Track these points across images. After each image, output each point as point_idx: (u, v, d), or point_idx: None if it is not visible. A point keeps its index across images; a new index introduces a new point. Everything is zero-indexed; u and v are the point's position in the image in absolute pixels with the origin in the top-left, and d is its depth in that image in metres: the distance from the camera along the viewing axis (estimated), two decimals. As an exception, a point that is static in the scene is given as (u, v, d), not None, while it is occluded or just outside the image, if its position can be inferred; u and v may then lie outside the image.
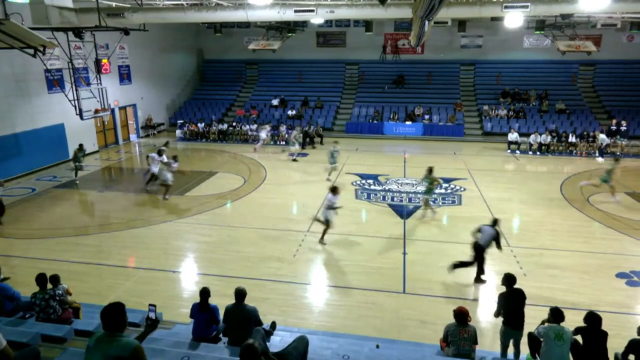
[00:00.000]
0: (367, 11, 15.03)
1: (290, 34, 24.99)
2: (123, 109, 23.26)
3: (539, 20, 20.15)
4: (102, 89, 16.17)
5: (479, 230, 9.02)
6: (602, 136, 20.06)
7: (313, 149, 21.76)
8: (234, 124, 24.70)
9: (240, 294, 5.64)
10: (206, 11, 15.33)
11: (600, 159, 19.65)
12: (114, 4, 15.17)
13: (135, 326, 6.37)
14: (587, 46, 20.42)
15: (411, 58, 28.06)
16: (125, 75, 22.97)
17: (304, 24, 26.19)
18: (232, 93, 29.18)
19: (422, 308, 8.17)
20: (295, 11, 14.37)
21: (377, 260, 10.04)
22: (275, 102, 27.17)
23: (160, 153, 14.68)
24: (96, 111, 16.12)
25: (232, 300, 5.69)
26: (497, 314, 6.34)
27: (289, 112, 25.96)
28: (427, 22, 9.18)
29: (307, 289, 8.94)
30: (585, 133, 21.07)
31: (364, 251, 10.54)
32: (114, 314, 3.57)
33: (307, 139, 22.79)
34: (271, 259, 10.06)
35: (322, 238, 10.88)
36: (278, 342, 5.86)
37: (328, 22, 26.92)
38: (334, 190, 10.89)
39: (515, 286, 6.30)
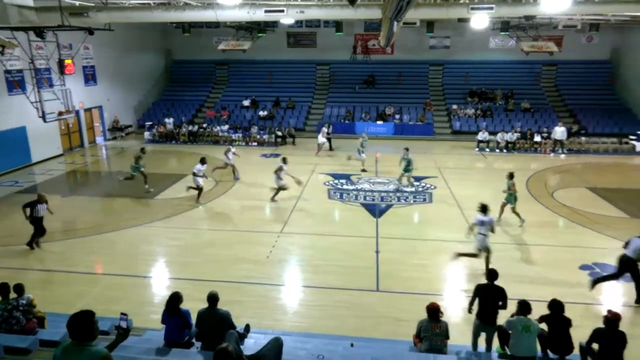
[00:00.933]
0: (336, 12, 15.13)
1: (260, 35, 24.84)
2: (88, 110, 22.59)
3: (503, 21, 20.71)
4: (66, 90, 15.67)
5: (627, 243, 8.31)
6: (560, 129, 20.78)
7: (284, 145, 21.71)
8: (204, 125, 24.36)
9: (212, 298, 5.58)
10: (174, 11, 15.08)
11: (560, 156, 20.43)
12: (77, 2, 14.71)
13: (105, 334, 6.19)
14: (550, 47, 21.18)
15: (381, 58, 28.33)
16: (90, 76, 22.32)
17: (274, 24, 26.07)
18: (202, 94, 28.78)
19: (395, 305, 8.27)
20: (266, 11, 14.31)
21: (351, 260, 10.09)
22: (246, 102, 26.96)
23: (203, 161, 13.88)
24: (60, 113, 15.60)
25: (205, 304, 5.62)
26: (470, 304, 6.42)
27: (261, 113, 25.81)
28: (395, 23, 9.30)
29: (281, 290, 8.90)
30: (543, 131, 21.86)
31: (337, 251, 10.57)
32: (82, 322, 3.46)
33: (280, 139, 22.76)
34: (244, 261, 9.97)
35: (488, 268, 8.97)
36: (252, 344, 5.82)
37: (298, 23, 26.89)
38: (484, 209, 9.24)
39: (496, 283, 6.34)
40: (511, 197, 12.00)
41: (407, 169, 14.91)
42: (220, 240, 11.20)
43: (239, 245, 10.84)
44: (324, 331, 7.26)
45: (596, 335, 5.55)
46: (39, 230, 10.47)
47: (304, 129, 25.37)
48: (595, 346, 5.61)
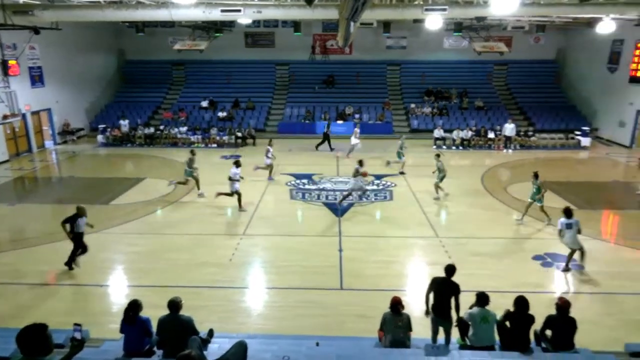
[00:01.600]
0: (294, 12, 15.14)
1: (217, 34, 24.47)
2: (36, 113, 21.49)
3: (456, 22, 21.37)
4: (10, 92, 14.88)
5: None
6: (510, 126, 21.68)
7: (245, 146, 21.49)
8: (161, 127, 23.73)
9: (174, 304, 5.46)
10: (126, 9, 14.62)
11: (509, 151, 21.31)
12: (21, 0, 13.98)
13: (60, 347, 5.92)
14: (500, 47, 22.05)
15: (340, 58, 28.55)
16: (37, 78, 21.22)
17: (231, 23, 25.73)
18: (158, 95, 28.00)
19: (359, 303, 8.36)
20: (222, 11, 14.13)
21: (314, 259, 10.13)
22: (204, 103, 26.47)
23: (237, 164, 13.12)
24: (5, 117, 14.81)
25: (167, 311, 5.49)
26: (427, 297, 6.43)
27: (220, 114, 25.41)
28: (352, 23, 9.40)
29: (245, 293, 8.82)
30: (496, 128, 22.82)
31: (301, 251, 10.59)
32: (33, 336, 3.30)
33: (240, 140, 22.53)
34: (206, 264, 9.81)
35: (567, 265, 9.50)
36: (216, 349, 5.73)
37: (256, 23, 26.69)
38: (568, 212, 9.29)
39: (453, 278, 6.39)
40: (536, 194, 11.91)
41: (440, 175, 14.16)
42: (181, 244, 10.95)
43: (200, 249, 10.65)
44: (289, 332, 7.25)
45: (549, 322, 5.82)
46: (81, 247, 9.51)
47: (264, 130, 25.21)
48: (548, 333, 5.88)
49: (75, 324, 3.90)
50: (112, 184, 15.56)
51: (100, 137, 23.09)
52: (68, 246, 10.72)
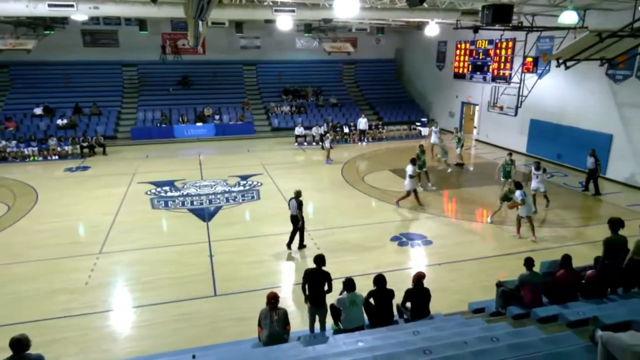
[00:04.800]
0: (137, 9, 14.12)
1: (47, 32, 21.58)
2: None
3: (306, 24, 22.24)
4: None
5: None
6: (363, 120, 23.50)
7: (94, 156, 19.50)
8: (-17, 140, 20.17)
9: (17, 342, 4.71)
10: None
11: (363, 144, 23.06)
12: None
13: None
14: (347, 47, 23.67)
15: (194, 58, 27.56)
16: None
17: (64, 20, 22.94)
18: (-25, 103, 23.70)
19: (236, 306, 8.28)
20: (50, 5, 12.48)
21: (184, 269, 9.70)
22: (38, 110, 23.18)
23: (413, 162, 13.25)
24: None
25: (11, 353, 4.74)
26: (303, 289, 6.74)
27: (59, 122, 22.55)
28: (201, 23, 9.17)
29: (109, 317, 8.04)
30: (350, 123, 24.56)
31: (169, 262, 10.04)
32: None
33: (87, 150, 20.33)
34: (59, 292, 8.69)
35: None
36: (79, 384, 5.15)
37: (95, 20, 24.23)
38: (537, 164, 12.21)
39: (323, 268, 6.76)
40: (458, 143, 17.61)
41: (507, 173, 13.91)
42: (24, 273, 9.50)
43: (49, 275, 9.37)
44: (163, 349, 6.84)
45: (407, 295, 6.50)
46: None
47: (115, 137, 23.15)
48: (408, 305, 6.56)
49: None
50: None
51: None
52: None
